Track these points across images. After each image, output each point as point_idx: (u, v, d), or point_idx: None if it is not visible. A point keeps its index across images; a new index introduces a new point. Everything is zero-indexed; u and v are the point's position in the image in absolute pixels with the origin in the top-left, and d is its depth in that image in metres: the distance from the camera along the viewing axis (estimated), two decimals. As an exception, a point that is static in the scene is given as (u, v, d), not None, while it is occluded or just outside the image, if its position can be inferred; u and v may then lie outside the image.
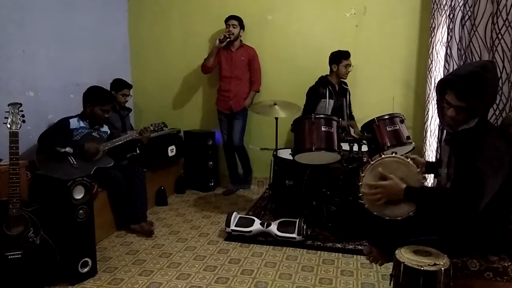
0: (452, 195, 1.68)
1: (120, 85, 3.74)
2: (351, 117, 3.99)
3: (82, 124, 3.21)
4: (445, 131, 2.31)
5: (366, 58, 4.07)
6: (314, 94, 3.79)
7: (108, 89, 3.75)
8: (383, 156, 1.87)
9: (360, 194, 1.87)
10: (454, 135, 1.83)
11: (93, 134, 3.22)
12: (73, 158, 3.04)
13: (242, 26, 4.11)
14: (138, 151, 3.59)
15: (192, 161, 4.44)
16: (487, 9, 3.08)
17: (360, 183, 1.87)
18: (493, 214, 1.70)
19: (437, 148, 3.67)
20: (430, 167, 2.11)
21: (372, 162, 1.87)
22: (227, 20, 4.08)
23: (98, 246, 2.90)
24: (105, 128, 3.36)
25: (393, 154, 1.87)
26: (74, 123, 3.17)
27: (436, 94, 1.85)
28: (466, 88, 1.67)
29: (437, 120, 3.66)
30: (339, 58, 3.75)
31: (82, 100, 3.25)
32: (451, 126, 1.79)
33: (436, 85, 1.83)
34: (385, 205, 1.82)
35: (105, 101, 3.24)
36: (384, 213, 1.82)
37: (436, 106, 1.87)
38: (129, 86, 3.82)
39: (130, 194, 3.27)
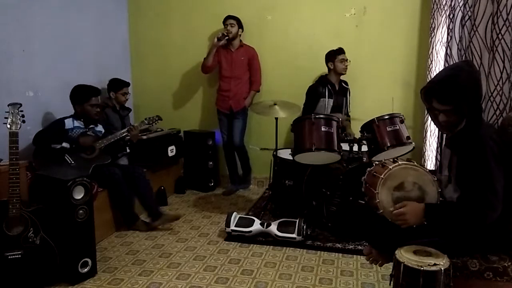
0: (472, 205, 1.65)
1: (118, 84, 3.73)
2: (347, 116, 3.98)
3: (76, 123, 3.20)
4: (444, 135, 2.33)
5: (366, 58, 4.07)
6: (313, 93, 3.80)
7: (106, 90, 3.76)
8: (390, 167, 1.84)
9: (380, 211, 1.82)
10: (452, 138, 1.85)
11: (88, 133, 3.22)
12: (70, 158, 3.05)
13: (240, 26, 4.11)
14: (128, 150, 3.59)
15: (192, 161, 4.44)
16: (487, 9, 3.08)
17: (377, 201, 1.82)
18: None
19: (437, 148, 3.67)
20: None
21: (381, 176, 1.82)
22: (225, 20, 4.08)
23: (98, 246, 2.90)
24: (100, 128, 3.36)
25: (398, 162, 1.85)
26: (69, 123, 3.17)
27: (424, 103, 1.87)
28: (444, 93, 1.71)
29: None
30: (334, 54, 3.77)
31: (70, 102, 3.23)
32: (449, 130, 1.82)
33: (420, 95, 1.85)
34: None
35: (89, 96, 3.20)
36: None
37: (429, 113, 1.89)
38: (127, 84, 3.81)
39: (137, 194, 3.30)
